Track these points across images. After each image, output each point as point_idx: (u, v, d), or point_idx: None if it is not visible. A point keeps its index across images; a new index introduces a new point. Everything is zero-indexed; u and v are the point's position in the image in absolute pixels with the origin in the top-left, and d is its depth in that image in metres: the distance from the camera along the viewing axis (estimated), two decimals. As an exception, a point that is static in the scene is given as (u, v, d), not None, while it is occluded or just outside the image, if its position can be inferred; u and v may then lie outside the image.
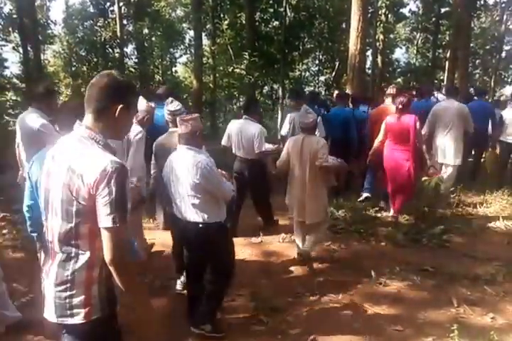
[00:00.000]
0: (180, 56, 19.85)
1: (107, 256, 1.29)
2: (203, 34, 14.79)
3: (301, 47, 15.41)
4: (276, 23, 14.86)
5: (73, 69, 16.05)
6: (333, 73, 16.53)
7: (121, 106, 1.37)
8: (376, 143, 4.48)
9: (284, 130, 4.99)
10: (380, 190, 4.92)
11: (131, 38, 16.01)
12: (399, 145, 4.29)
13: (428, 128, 5.01)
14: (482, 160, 6.63)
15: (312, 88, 17.12)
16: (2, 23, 12.17)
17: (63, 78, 16.37)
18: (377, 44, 17.61)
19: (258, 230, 4.27)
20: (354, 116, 5.46)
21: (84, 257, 1.34)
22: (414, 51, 21.70)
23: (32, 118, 3.12)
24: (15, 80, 12.40)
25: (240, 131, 3.99)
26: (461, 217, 4.72)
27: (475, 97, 6.80)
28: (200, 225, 2.44)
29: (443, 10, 18.03)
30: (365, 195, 5.18)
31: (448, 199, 5.07)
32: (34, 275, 3.28)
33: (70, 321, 1.36)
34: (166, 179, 2.55)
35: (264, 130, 4.06)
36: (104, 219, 1.27)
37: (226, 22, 13.71)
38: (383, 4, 16.92)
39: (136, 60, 16.90)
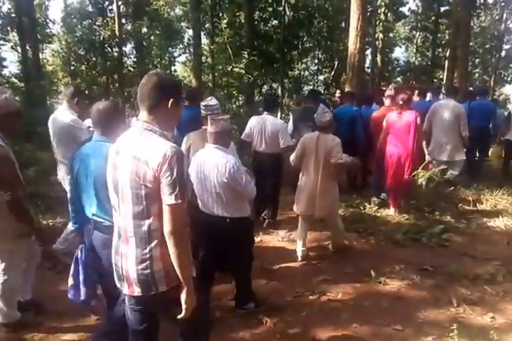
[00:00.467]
0: (179, 55, 19.85)
1: (167, 227, 1.47)
2: (202, 33, 14.77)
3: (300, 47, 15.41)
4: (275, 22, 14.86)
5: (72, 68, 16.00)
6: (333, 72, 16.52)
7: (171, 100, 1.57)
8: (379, 143, 4.64)
9: (289, 128, 5.07)
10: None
11: (129, 37, 15.98)
12: (400, 140, 4.44)
13: (426, 126, 5.18)
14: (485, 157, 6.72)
15: (311, 87, 17.10)
16: (1, 22, 12.17)
17: (62, 77, 16.35)
18: (377, 43, 17.62)
19: (257, 230, 4.27)
20: (361, 114, 5.46)
21: (156, 235, 1.52)
22: (414, 50, 21.71)
23: (63, 115, 3.41)
24: (13, 79, 12.37)
25: (264, 127, 4.12)
26: (461, 216, 4.71)
27: (477, 97, 6.83)
28: (227, 220, 2.61)
29: (442, 9, 18.06)
30: (382, 195, 5.09)
31: (452, 193, 5.11)
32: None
33: (153, 292, 1.56)
34: (193, 175, 2.65)
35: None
36: (168, 196, 1.45)
37: (225, 21, 13.71)
38: (382, 3, 16.92)
39: (135, 59, 16.89)
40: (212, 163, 2.55)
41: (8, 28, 12.32)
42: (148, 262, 1.53)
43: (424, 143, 4.61)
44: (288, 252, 3.79)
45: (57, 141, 3.47)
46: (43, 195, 5.33)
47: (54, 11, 31.94)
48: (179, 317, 1.55)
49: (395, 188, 4.64)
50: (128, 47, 16.89)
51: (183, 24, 18.43)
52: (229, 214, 2.61)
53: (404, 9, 19.62)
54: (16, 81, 12.40)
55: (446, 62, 14.37)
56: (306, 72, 18.13)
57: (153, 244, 1.53)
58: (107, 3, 15.62)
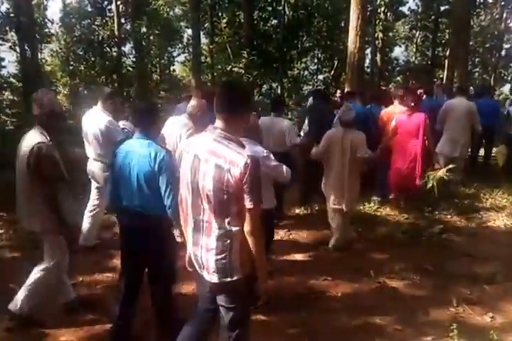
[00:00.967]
0: (179, 55, 19.82)
1: (248, 227, 1.69)
2: (201, 33, 14.73)
3: (299, 46, 15.39)
4: (274, 21, 14.84)
5: (71, 68, 15.96)
6: (332, 72, 16.51)
7: (247, 112, 1.77)
8: (385, 140, 4.68)
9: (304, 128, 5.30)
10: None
11: (128, 36, 15.93)
12: (408, 141, 4.54)
13: (439, 124, 5.45)
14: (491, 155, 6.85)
15: (311, 87, 17.08)
16: (-1, 22, 12.12)
17: (60, 77, 16.31)
18: (377, 42, 17.60)
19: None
20: (372, 113, 5.47)
21: (235, 230, 1.72)
22: (414, 49, 21.68)
23: (100, 117, 3.57)
24: (12, 79, 12.35)
25: (270, 126, 4.26)
26: (461, 215, 4.70)
27: (482, 96, 6.94)
28: None
29: (442, 8, 18.03)
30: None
31: (452, 193, 5.15)
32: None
33: (229, 279, 1.76)
34: None
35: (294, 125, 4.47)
36: (248, 202, 1.65)
37: (224, 20, 13.69)
38: (382, 2, 16.89)
39: (134, 59, 16.83)
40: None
41: (7, 28, 12.28)
42: (227, 253, 1.74)
43: (432, 144, 4.67)
44: (288, 252, 3.79)
45: (92, 140, 3.61)
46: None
47: (53, 11, 31.92)
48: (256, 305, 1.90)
49: (401, 189, 4.69)
50: (127, 47, 16.84)
51: (182, 24, 18.40)
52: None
53: (404, 8, 19.59)
54: (14, 81, 12.38)
55: (446, 61, 14.33)
56: (306, 72, 18.09)
57: (232, 238, 1.73)
58: (106, 2, 15.59)
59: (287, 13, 14.49)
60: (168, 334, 2.29)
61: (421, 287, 3.19)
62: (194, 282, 2.31)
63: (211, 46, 14.37)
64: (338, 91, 7.24)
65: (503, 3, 17.74)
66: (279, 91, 13.06)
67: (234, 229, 1.72)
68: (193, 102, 3.67)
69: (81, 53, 15.74)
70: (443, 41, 19.20)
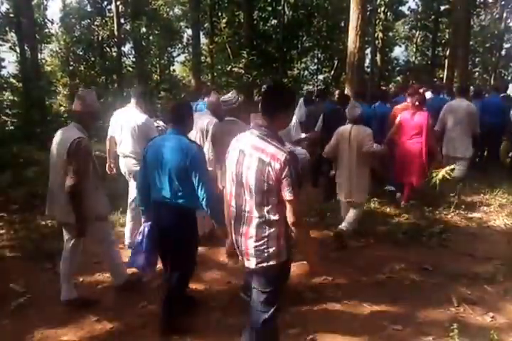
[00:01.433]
0: (178, 55, 19.78)
1: (290, 218, 1.84)
2: (201, 33, 14.76)
3: (299, 46, 15.39)
4: (274, 21, 14.84)
5: (70, 68, 15.96)
6: (332, 72, 16.51)
7: (289, 114, 1.94)
8: (389, 134, 4.89)
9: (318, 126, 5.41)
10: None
11: (128, 36, 15.91)
12: (412, 138, 4.72)
13: (440, 125, 5.52)
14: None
15: (311, 87, 17.08)
16: (-1, 22, 12.11)
17: (60, 78, 16.30)
18: (376, 42, 17.60)
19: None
20: (375, 112, 5.55)
21: (274, 219, 1.88)
22: (414, 49, 21.68)
23: (136, 115, 3.66)
24: (12, 80, 12.33)
25: None
26: (461, 215, 4.71)
27: (485, 95, 7.10)
28: None
29: (442, 8, 18.02)
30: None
31: (457, 188, 5.18)
32: (31, 276, 3.27)
33: (265, 264, 1.92)
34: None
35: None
36: (287, 193, 1.80)
37: (224, 20, 13.70)
38: (382, 2, 16.89)
39: (134, 59, 16.83)
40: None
41: (7, 28, 12.27)
42: (265, 239, 1.89)
43: (434, 142, 4.81)
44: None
45: (126, 137, 3.67)
46: (42, 196, 5.30)
47: (52, 11, 31.89)
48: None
49: (407, 183, 4.86)
50: (127, 47, 16.82)
51: (182, 24, 18.39)
52: None
53: (404, 8, 19.57)
54: (14, 81, 12.35)
55: (446, 61, 14.36)
56: (306, 72, 18.08)
57: (270, 227, 1.88)
58: (105, 2, 15.57)
59: (287, 13, 14.49)
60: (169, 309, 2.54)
61: (421, 287, 3.19)
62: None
63: (211, 46, 14.39)
64: (336, 92, 7.25)
65: (503, 2, 17.72)
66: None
67: (272, 218, 1.87)
68: (211, 99, 4.04)
69: (81, 53, 15.74)
70: (443, 41, 19.20)
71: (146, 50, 16.89)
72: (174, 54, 19.67)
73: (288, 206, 1.83)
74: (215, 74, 14.65)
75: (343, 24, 14.37)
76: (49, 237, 3.99)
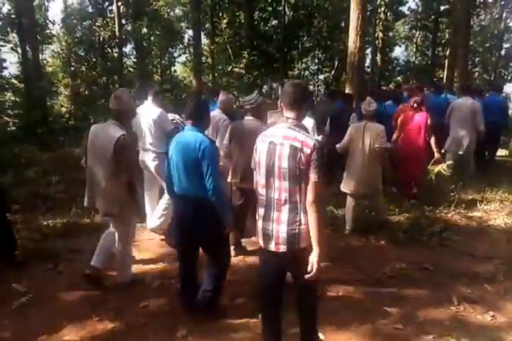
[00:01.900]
0: (179, 55, 19.80)
1: (310, 198, 1.98)
2: (202, 33, 14.76)
3: (300, 46, 15.40)
4: (275, 21, 14.86)
5: (72, 69, 15.96)
6: (333, 72, 16.51)
7: (308, 104, 2.15)
8: (394, 137, 5.08)
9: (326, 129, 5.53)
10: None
11: (129, 37, 15.93)
12: (412, 137, 4.95)
13: (447, 122, 5.88)
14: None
15: (312, 87, 17.09)
16: (0, 23, 12.14)
17: (62, 78, 16.31)
18: (377, 42, 17.61)
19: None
20: (386, 111, 5.69)
21: (303, 204, 2.02)
22: (414, 49, 21.67)
23: (153, 110, 3.92)
24: (14, 80, 12.37)
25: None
26: (461, 215, 4.71)
27: (484, 93, 7.22)
28: None
29: (442, 8, 18.00)
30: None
31: (457, 187, 5.34)
32: (33, 276, 3.29)
33: (296, 247, 2.05)
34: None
35: None
36: (313, 176, 1.98)
37: (225, 21, 13.70)
38: (382, 2, 16.90)
39: (135, 60, 16.85)
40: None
41: (8, 29, 12.30)
42: (297, 224, 2.04)
43: (433, 141, 4.97)
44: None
45: (145, 131, 3.90)
46: (43, 196, 5.33)
47: (54, 12, 32.00)
48: (308, 276, 2.00)
49: (409, 180, 5.11)
50: (128, 48, 16.83)
51: (182, 24, 18.40)
52: None
53: (404, 8, 19.56)
54: (16, 82, 12.39)
55: (446, 61, 14.34)
56: (307, 72, 18.10)
57: (301, 211, 2.03)
58: (106, 3, 15.59)
59: (287, 13, 14.51)
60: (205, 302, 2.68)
61: (421, 286, 3.19)
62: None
63: (212, 47, 14.40)
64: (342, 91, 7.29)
65: (502, 2, 17.68)
66: (279, 92, 13.02)
67: (303, 203, 2.03)
68: (222, 98, 4.31)
69: (82, 54, 15.74)
70: (443, 41, 19.18)
71: (147, 50, 16.91)
72: (175, 54, 19.71)
73: (310, 187, 1.98)
74: (216, 74, 14.66)
75: (343, 24, 14.38)
76: (50, 237, 4.01)
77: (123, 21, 15.08)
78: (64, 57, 16.19)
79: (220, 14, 14.70)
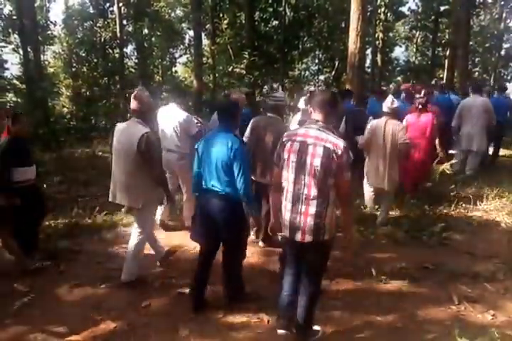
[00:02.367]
0: (180, 56, 19.86)
1: (343, 194, 2.27)
2: (203, 34, 14.78)
3: (300, 47, 15.40)
4: (275, 22, 14.86)
5: (73, 70, 16.00)
6: (333, 72, 16.51)
7: (334, 109, 2.33)
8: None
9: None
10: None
11: (130, 38, 15.97)
12: (418, 138, 4.92)
13: (457, 120, 6.03)
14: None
15: (312, 87, 17.09)
16: (2, 24, 12.17)
17: (63, 79, 16.35)
18: (377, 42, 17.63)
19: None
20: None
21: (330, 198, 2.25)
22: (414, 49, 21.68)
23: (177, 112, 4.04)
24: (15, 81, 12.39)
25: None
26: (462, 214, 4.72)
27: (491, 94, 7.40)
28: None
29: (442, 8, 18.02)
30: None
31: (457, 186, 5.45)
32: (35, 276, 3.30)
33: (321, 239, 2.26)
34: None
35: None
36: (346, 174, 2.21)
37: (226, 21, 13.72)
38: (382, 3, 16.93)
39: (136, 61, 16.90)
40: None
41: (10, 30, 12.34)
42: (323, 216, 2.24)
43: (437, 141, 5.09)
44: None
45: (170, 133, 4.01)
46: (44, 196, 5.33)
47: (55, 13, 32.05)
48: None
49: (412, 178, 5.06)
50: (129, 49, 16.88)
51: (183, 25, 18.45)
52: None
53: (404, 9, 19.59)
54: (17, 83, 12.41)
55: (446, 61, 14.35)
56: (307, 72, 18.11)
57: (327, 205, 2.24)
58: (107, 4, 15.61)
59: (288, 13, 14.51)
60: (232, 298, 2.86)
61: (422, 285, 3.20)
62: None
63: (213, 47, 14.41)
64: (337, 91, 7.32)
65: (502, 2, 17.70)
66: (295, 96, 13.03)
67: (330, 198, 2.24)
68: (234, 96, 4.41)
69: (83, 55, 15.77)
70: (443, 41, 19.18)
71: (148, 51, 16.95)
72: (176, 55, 19.78)
73: (343, 184, 2.21)
74: (217, 75, 14.69)
75: (343, 25, 14.38)
76: (52, 237, 4.02)
77: (124, 22, 15.11)
78: (65, 58, 16.24)
79: (221, 15, 14.71)
